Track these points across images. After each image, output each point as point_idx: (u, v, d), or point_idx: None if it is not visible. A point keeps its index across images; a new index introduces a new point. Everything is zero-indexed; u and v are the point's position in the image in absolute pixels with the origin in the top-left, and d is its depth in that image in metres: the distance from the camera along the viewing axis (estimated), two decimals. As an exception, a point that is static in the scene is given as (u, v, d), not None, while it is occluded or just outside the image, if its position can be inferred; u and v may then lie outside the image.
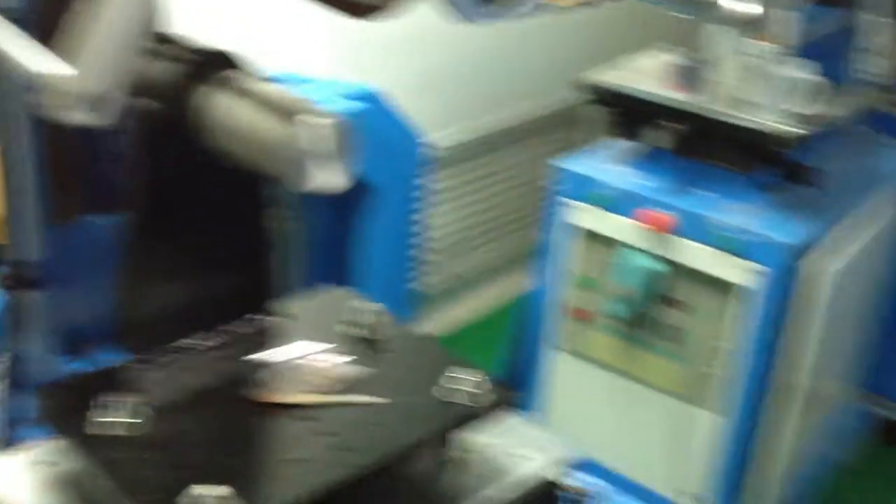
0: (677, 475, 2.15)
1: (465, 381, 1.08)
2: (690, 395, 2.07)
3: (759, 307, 1.91)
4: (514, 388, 2.40)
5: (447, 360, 1.13)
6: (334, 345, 1.13)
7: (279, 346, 1.14)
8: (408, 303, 2.47)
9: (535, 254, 2.26)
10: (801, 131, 1.78)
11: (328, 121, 0.94)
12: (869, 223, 2.03)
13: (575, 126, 3.25)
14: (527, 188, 3.17)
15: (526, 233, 3.15)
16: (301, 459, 0.99)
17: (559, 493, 1.17)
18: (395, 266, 2.41)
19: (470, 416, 1.07)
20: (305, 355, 1.11)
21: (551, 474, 1.16)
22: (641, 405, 2.17)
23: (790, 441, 2.04)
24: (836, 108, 1.93)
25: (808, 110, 1.78)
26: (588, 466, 2.30)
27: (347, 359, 1.11)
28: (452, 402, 1.07)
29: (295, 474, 0.97)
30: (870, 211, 2.07)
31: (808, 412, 2.09)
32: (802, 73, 1.77)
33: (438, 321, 3.05)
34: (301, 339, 1.14)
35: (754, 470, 2.09)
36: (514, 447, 1.18)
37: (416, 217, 2.39)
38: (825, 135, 1.96)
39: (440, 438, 1.09)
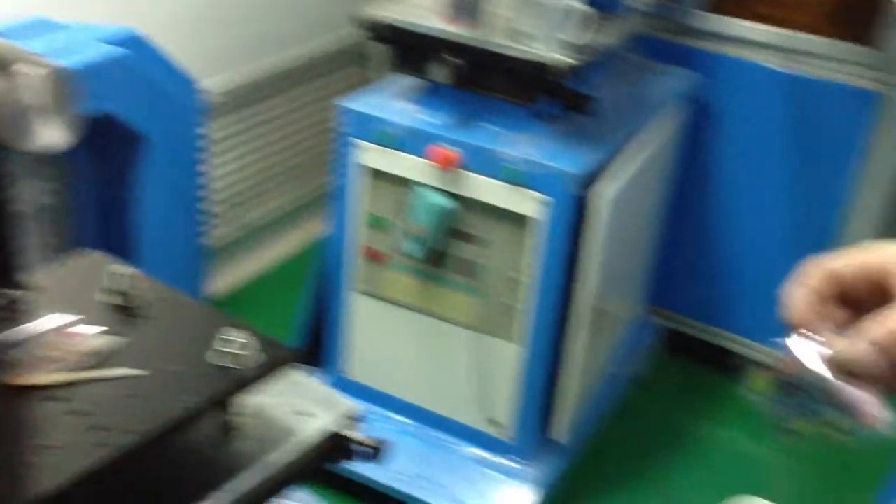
0: (484, 406, 2.18)
1: (239, 344, 1.02)
2: (490, 327, 2.09)
3: (548, 236, 1.94)
4: (317, 335, 2.37)
5: (219, 322, 1.06)
6: (85, 316, 1.03)
7: (25, 321, 1.03)
8: (198, 259, 2.36)
9: (329, 197, 2.20)
10: (574, 61, 1.80)
11: (45, 71, 0.83)
12: (643, 147, 2.10)
13: (365, 63, 3.18)
14: (318, 129, 3.08)
15: (320, 176, 3.07)
16: (54, 446, 0.90)
17: (351, 447, 1.14)
18: (180, 222, 2.28)
19: (245, 379, 1.02)
20: (54, 329, 1.01)
21: (339, 429, 1.12)
22: (443, 341, 2.18)
23: (583, 361, 2.11)
24: (607, 36, 1.96)
25: (580, 39, 1.80)
26: (397, 406, 2.31)
27: (100, 329, 1.02)
28: (225, 367, 1.01)
29: (48, 462, 0.89)
30: (644, 135, 2.14)
31: (598, 332, 2.17)
32: (573, 2, 1.78)
33: (234, 274, 2.94)
34: (50, 312, 1.04)
35: (554, 393, 2.15)
36: (299, 405, 1.14)
37: (198, 168, 2.26)
38: (599, 63, 2.00)
39: (215, 405, 1.03)
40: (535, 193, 1.90)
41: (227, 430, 1.07)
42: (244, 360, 1.00)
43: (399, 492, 2.18)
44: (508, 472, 2.20)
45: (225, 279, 2.87)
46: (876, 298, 0.71)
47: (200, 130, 2.20)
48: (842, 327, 0.72)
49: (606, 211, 1.89)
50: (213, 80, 2.57)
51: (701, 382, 2.71)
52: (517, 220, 1.96)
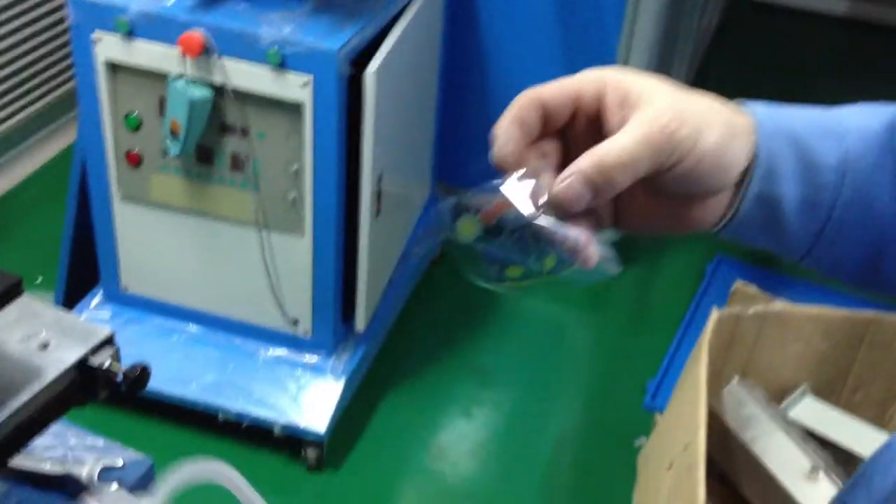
0: (279, 304, 2.09)
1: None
2: (274, 222, 1.98)
3: (319, 120, 1.82)
4: (90, 250, 2.17)
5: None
6: None
7: None
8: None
9: (76, 97, 1.98)
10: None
11: None
12: (406, 17, 1.99)
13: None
14: (60, 21, 2.76)
15: (65, 74, 2.78)
16: None
17: (109, 377, 1.01)
18: None
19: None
20: None
21: (90, 360, 0.99)
22: (224, 242, 2.05)
23: (374, 246, 2.04)
24: None
25: None
26: (186, 315, 2.17)
27: None
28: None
29: None
30: (405, 4, 2.03)
31: (387, 215, 2.11)
32: None
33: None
34: None
35: (349, 282, 2.09)
36: (41, 338, 1.00)
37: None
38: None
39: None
40: (298, 75, 1.77)
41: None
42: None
43: (199, 403, 2.08)
44: (311, 368, 2.14)
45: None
46: (590, 129, 0.65)
47: None
48: (555, 161, 0.66)
49: (373, 86, 1.79)
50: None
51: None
52: (286, 107, 1.83)
